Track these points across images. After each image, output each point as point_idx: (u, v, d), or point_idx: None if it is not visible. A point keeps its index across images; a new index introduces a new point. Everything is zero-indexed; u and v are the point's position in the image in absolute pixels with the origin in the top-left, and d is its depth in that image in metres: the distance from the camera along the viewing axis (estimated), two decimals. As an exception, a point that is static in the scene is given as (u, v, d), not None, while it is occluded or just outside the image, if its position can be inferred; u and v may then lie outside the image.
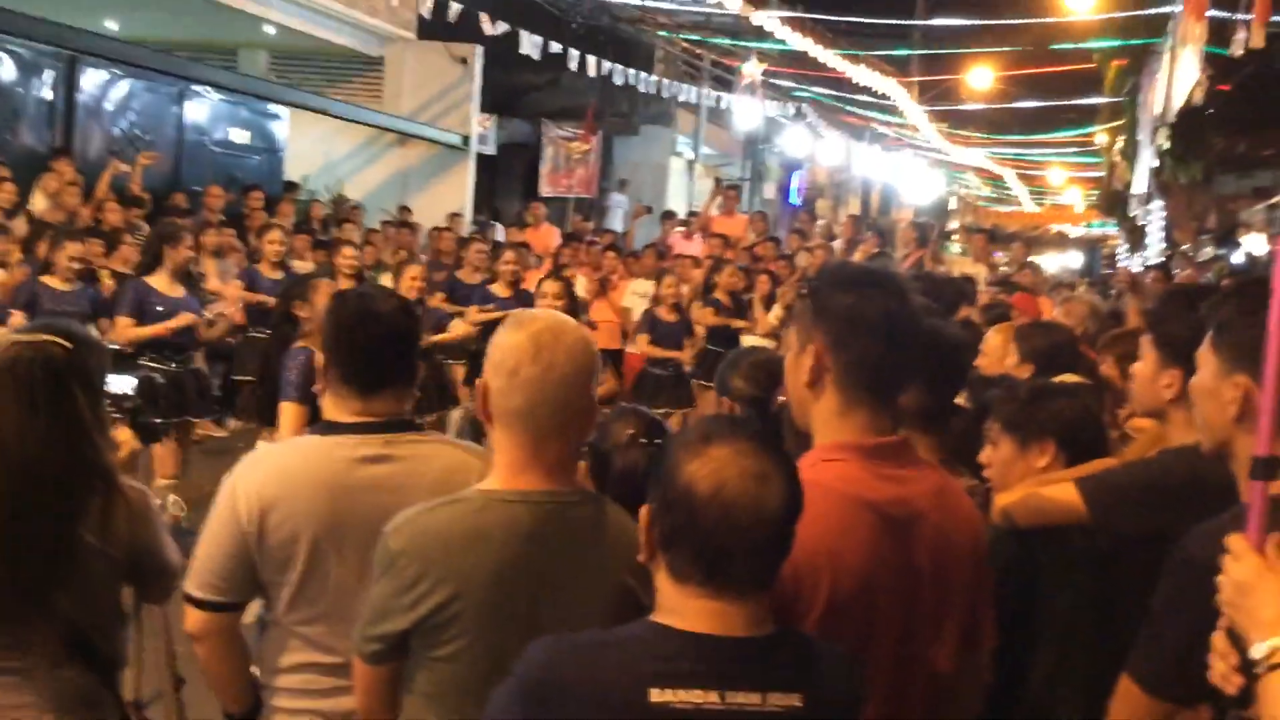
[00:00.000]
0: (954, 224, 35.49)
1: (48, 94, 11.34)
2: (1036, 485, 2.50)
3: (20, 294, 6.59)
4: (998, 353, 4.03)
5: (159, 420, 2.79)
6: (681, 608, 1.55)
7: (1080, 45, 16.52)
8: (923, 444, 2.41)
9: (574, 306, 6.98)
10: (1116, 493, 2.38)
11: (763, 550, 1.54)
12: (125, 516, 2.35)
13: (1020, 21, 16.44)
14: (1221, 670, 1.50)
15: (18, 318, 6.14)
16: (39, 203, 9.45)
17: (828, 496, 1.75)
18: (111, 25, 14.62)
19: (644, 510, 1.61)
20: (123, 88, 12.22)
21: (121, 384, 2.65)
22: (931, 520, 1.85)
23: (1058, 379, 3.47)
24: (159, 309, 6.32)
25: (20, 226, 8.40)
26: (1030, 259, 12.28)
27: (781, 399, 2.52)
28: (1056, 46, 17.21)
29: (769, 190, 25.31)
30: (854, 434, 1.85)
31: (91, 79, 11.73)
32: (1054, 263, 32.02)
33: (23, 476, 2.24)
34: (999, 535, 2.31)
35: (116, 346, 5.76)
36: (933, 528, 1.85)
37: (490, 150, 17.98)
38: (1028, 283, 8.78)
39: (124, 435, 2.55)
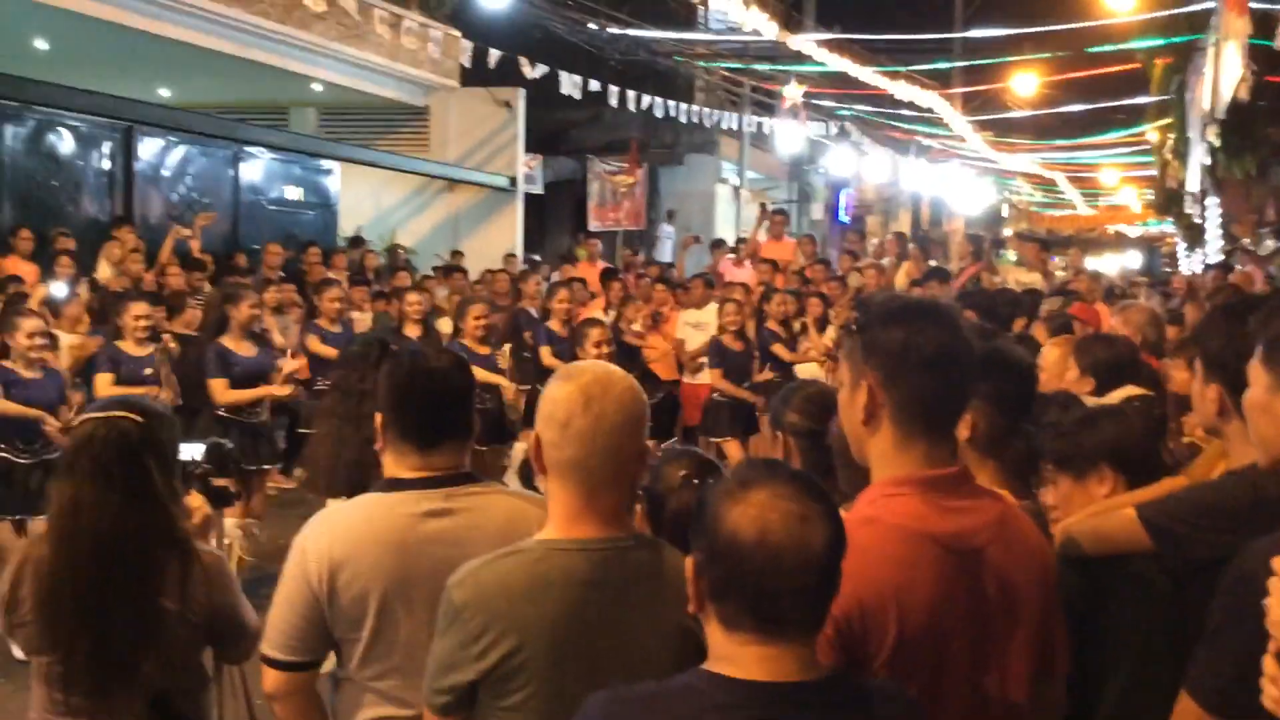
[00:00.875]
0: (1007, 231, 35.11)
1: (107, 164, 11.68)
2: (1099, 513, 2.45)
3: (102, 359, 6.82)
4: (1056, 367, 3.98)
5: (229, 486, 2.86)
6: (734, 655, 1.55)
7: (1121, 47, 16.32)
8: (988, 467, 2.40)
9: (618, 348, 7.04)
10: (1179, 520, 2.31)
11: (812, 591, 1.54)
12: (203, 582, 2.41)
13: (1059, 27, 16.28)
14: (1274, 695, 1.46)
15: (105, 381, 6.45)
16: (104, 271, 9.70)
17: (891, 533, 1.75)
18: (164, 93, 15.01)
19: (689, 561, 1.61)
20: (179, 153, 12.55)
21: (191, 451, 2.71)
22: (997, 550, 1.83)
23: (1119, 392, 3.43)
24: (236, 369, 6.57)
25: (85, 294, 8.64)
26: (1087, 264, 12.10)
27: (835, 431, 2.52)
28: (1096, 50, 17.00)
29: (817, 211, 25.27)
30: (913, 468, 1.83)
31: (148, 147, 12.06)
32: (1113, 264, 31.52)
33: (102, 549, 2.31)
34: (1062, 562, 2.27)
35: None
36: (999, 557, 1.83)
37: (538, 189, 18.17)
38: (1084, 290, 8.65)
39: (196, 501, 2.61)
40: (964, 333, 1.87)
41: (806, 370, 9.55)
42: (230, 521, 5.71)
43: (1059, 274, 12.84)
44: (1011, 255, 22.71)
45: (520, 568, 1.96)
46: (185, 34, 11.91)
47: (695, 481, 2.59)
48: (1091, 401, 3.38)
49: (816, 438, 2.69)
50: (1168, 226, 28.71)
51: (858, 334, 1.89)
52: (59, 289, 8.27)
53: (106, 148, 11.65)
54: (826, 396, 2.74)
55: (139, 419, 2.37)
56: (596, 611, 1.94)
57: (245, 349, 6.71)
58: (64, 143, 11.24)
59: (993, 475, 2.39)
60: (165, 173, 12.41)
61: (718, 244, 14.26)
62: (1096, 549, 2.41)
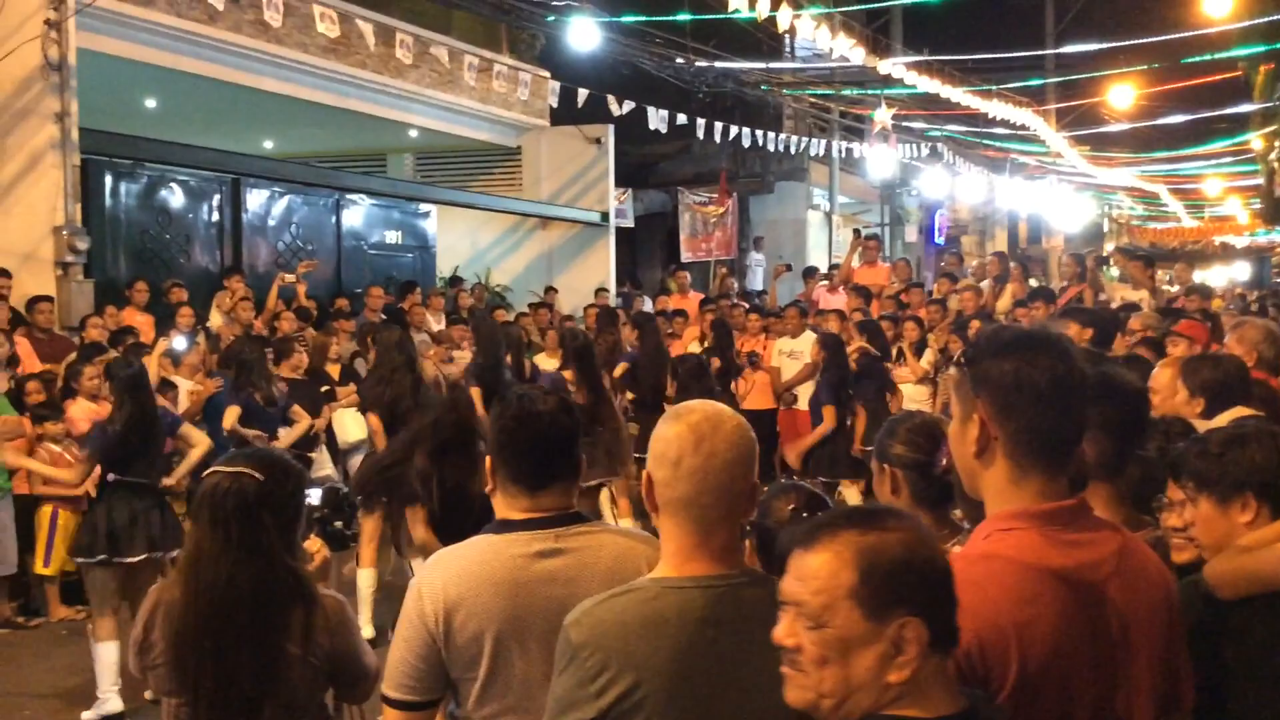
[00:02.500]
0: (1109, 247, 34.28)
1: (216, 216, 12.09)
2: (1247, 550, 2.35)
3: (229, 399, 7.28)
4: (1167, 389, 3.87)
5: (344, 529, 2.95)
6: None
7: (1217, 55, 15.87)
8: (1103, 493, 2.34)
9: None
10: None
11: None
12: (324, 627, 2.48)
13: (1155, 39, 15.91)
14: None
15: (231, 414, 7.02)
16: (215, 319, 10.04)
17: (1009, 568, 1.72)
18: (268, 144, 15.54)
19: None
20: (283, 203, 12.93)
21: (309, 495, 2.81)
22: (1118, 583, 1.80)
23: (1228, 413, 3.32)
24: None
25: (202, 343, 8.98)
26: (1195, 279, 11.73)
27: (943, 463, 2.49)
28: (1191, 60, 16.57)
29: (910, 233, 24.99)
30: (1029, 501, 1.80)
31: (255, 198, 12.46)
32: (1220, 276, 30.56)
33: (223, 598, 2.40)
34: (1187, 592, 2.19)
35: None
36: (1119, 591, 1.79)
37: (629, 223, 18.32)
38: (1195, 308, 8.39)
39: (315, 545, 2.70)
40: (1077, 362, 1.84)
41: (906, 395, 9.44)
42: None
43: (1164, 287, 12.49)
44: (1115, 272, 22.16)
45: (636, 605, 1.98)
46: (287, 87, 12.33)
47: (804, 515, 2.59)
48: (1201, 424, 3.27)
49: (924, 469, 2.66)
50: (1277, 236, 27.76)
51: (967, 366, 1.87)
52: (179, 340, 8.59)
53: (215, 200, 12.07)
54: (932, 427, 2.72)
55: (259, 476, 2.46)
56: (712, 649, 1.95)
57: None
58: (175, 197, 11.68)
59: (1107, 501, 2.34)
60: (271, 222, 12.80)
61: (810, 272, 14.20)
62: (1248, 590, 2.32)
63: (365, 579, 6.62)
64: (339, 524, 3.11)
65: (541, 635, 2.35)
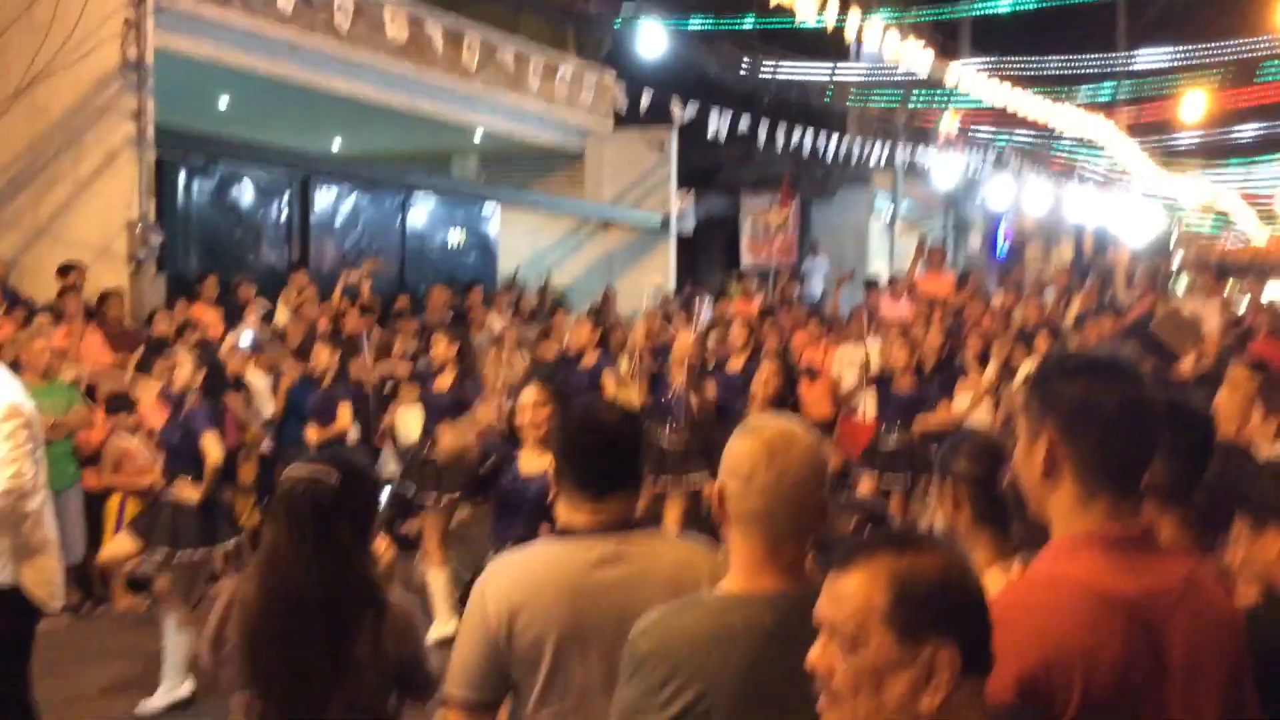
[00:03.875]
0: (1178, 258, 33.59)
1: (284, 213, 12.30)
2: None
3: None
4: (1228, 411, 3.81)
5: (410, 531, 3.01)
6: None
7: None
8: (1168, 521, 2.32)
9: (789, 385, 7.04)
10: None
11: None
12: (392, 633, 2.53)
13: (1229, 44, 15.58)
14: None
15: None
16: (281, 315, 10.21)
17: (1075, 592, 1.72)
18: (336, 144, 15.77)
19: None
20: (350, 201, 13.12)
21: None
22: (1184, 613, 1.78)
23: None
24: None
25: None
26: (1267, 297, 11.49)
27: (1006, 480, 2.48)
28: (1267, 72, 16.20)
29: (974, 242, 24.70)
30: (1096, 524, 1.80)
31: (324, 196, 12.66)
32: (1293, 293, 29.81)
33: (294, 599, 2.45)
34: (1257, 623, 2.15)
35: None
36: (1187, 621, 1.78)
37: (689, 228, 18.32)
38: (1265, 326, 8.22)
39: (382, 547, 2.76)
40: (1147, 388, 1.84)
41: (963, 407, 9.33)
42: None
43: (1234, 302, 12.24)
44: (1183, 283, 21.73)
45: (705, 618, 2.00)
46: (357, 89, 12.51)
47: (867, 531, 2.60)
48: (1271, 450, 3.22)
49: (987, 486, 2.65)
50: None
51: (1036, 387, 1.87)
52: (246, 335, 8.76)
53: (285, 197, 12.27)
54: (996, 444, 2.71)
55: (336, 479, 2.51)
56: (779, 664, 1.96)
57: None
58: (245, 194, 11.90)
59: (1173, 528, 2.31)
60: (339, 220, 12.99)
61: (870, 284, 14.07)
62: None
63: (439, 578, 6.72)
64: (406, 525, 3.17)
65: (602, 642, 2.39)
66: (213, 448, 5.73)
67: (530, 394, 4.40)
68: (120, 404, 7.61)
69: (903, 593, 1.48)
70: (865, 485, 8.34)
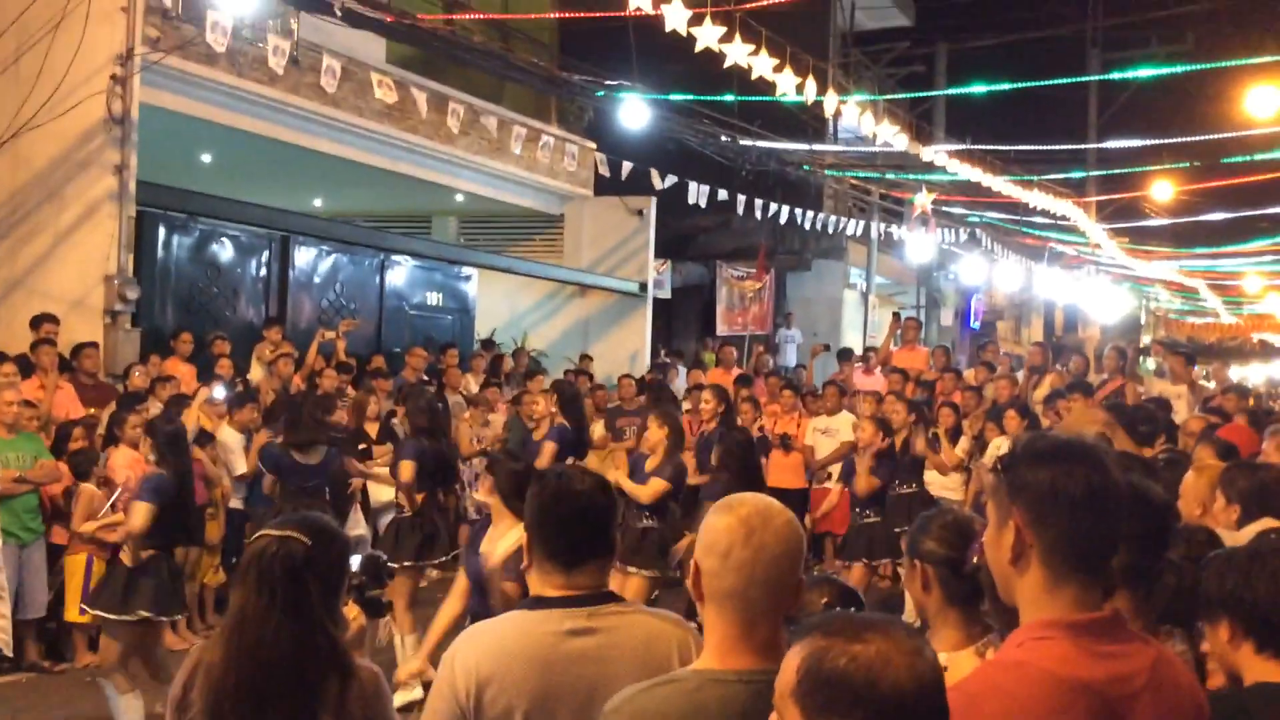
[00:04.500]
0: (1146, 339, 34.06)
1: (264, 271, 12.30)
2: None
3: (266, 460, 7.37)
4: (1194, 493, 3.86)
5: (382, 596, 2.99)
6: None
7: (1261, 157, 15.93)
8: (1122, 602, 2.34)
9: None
10: None
11: None
12: (359, 698, 2.51)
13: (1196, 139, 15.99)
14: None
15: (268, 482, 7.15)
16: (255, 372, 10.17)
17: (1041, 678, 1.73)
18: (318, 203, 15.83)
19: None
20: (330, 261, 13.14)
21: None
22: (1149, 698, 1.80)
23: (1255, 525, 3.32)
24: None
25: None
26: (1233, 378, 11.64)
27: (974, 560, 2.50)
28: (1232, 160, 16.63)
29: (946, 317, 24.98)
30: (1063, 610, 1.82)
31: (303, 255, 12.67)
32: (1259, 374, 30.26)
33: (260, 662, 2.44)
34: (1222, 707, 2.17)
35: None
36: (1151, 705, 1.80)
37: (666, 294, 18.45)
38: (1233, 408, 8.34)
39: (353, 613, 2.73)
40: (1114, 473, 1.87)
41: (938, 483, 9.40)
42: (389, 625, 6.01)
43: (1201, 382, 12.40)
44: (1151, 364, 22.01)
45: (678, 697, 1.99)
46: (340, 149, 12.60)
47: (837, 609, 2.61)
48: (1230, 536, 3.25)
49: (955, 566, 2.67)
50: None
51: (1004, 472, 1.90)
52: (219, 390, 8.75)
53: (264, 256, 12.28)
54: (965, 524, 2.73)
55: (307, 540, 2.51)
56: None
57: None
58: (225, 251, 11.90)
59: (1128, 610, 2.34)
60: (317, 279, 13.00)
61: (845, 355, 14.19)
62: None
63: (407, 642, 6.64)
64: (376, 591, 3.15)
65: (570, 713, 2.39)
66: (135, 516, 5.75)
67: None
68: (87, 459, 7.54)
69: (807, 674, 1.50)
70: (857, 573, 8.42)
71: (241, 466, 8.47)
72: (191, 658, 2.60)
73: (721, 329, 19.37)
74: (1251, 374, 27.81)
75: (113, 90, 9.57)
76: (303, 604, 2.45)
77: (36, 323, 8.72)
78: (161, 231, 11.04)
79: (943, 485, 9.34)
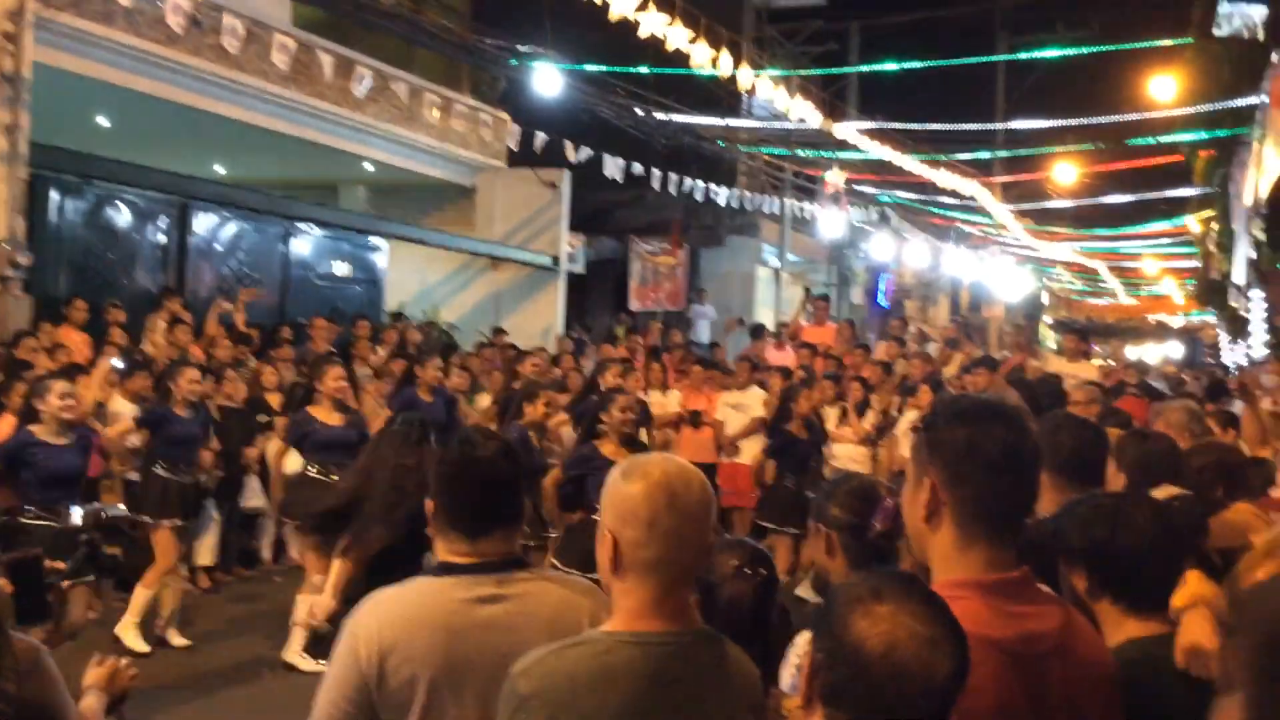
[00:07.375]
0: (1047, 319, 34.96)
1: (162, 238, 11.92)
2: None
3: (151, 419, 7.26)
4: None
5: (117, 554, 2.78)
6: None
7: (1163, 139, 16.39)
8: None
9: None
10: None
11: (929, 717, 1.49)
12: (12, 671, 2.32)
13: (1100, 120, 16.38)
14: None
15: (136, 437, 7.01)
16: (152, 341, 9.85)
17: (952, 636, 1.72)
18: (219, 169, 15.38)
19: (806, 659, 1.57)
20: (231, 228, 12.80)
21: (73, 515, 2.73)
22: (1059, 657, 1.80)
23: (1156, 492, 3.37)
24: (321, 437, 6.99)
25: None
26: (1128, 354, 11.99)
27: (878, 526, 2.49)
28: (1135, 142, 17.09)
29: (856, 294, 25.32)
30: (974, 570, 1.81)
31: (203, 222, 12.32)
32: (1155, 353, 31.31)
33: None
34: (1133, 669, 2.15)
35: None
36: (1061, 665, 1.80)
37: (579, 269, 18.35)
38: (1135, 382, 8.56)
39: (79, 599, 2.56)
40: (1030, 435, 1.87)
41: (845, 455, 9.50)
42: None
43: (1099, 363, 12.74)
44: (1051, 343, 22.58)
45: (587, 659, 1.95)
46: (242, 113, 12.24)
47: (747, 571, 2.58)
48: None
49: (859, 532, 2.65)
50: (1210, 317, 28.57)
51: (924, 432, 1.89)
52: (119, 361, 8.46)
53: (162, 222, 11.92)
54: (869, 490, 2.71)
55: None
56: (660, 706, 1.93)
57: (334, 418, 7.07)
58: (121, 216, 11.51)
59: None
60: (218, 247, 12.66)
61: (757, 331, 14.27)
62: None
63: (304, 603, 6.50)
64: (111, 549, 2.94)
65: (477, 682, 2.31)
66: None
67: None
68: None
69: None
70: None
71: (135, 437, 8.19)
72: None
73: (634, 304, 19.35)
74: (1147, 354, 28.73)
75: (4, 47, 9.17)
76: None
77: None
78: (55, 195, 10.63)
79: (849, 459, 9.43)
